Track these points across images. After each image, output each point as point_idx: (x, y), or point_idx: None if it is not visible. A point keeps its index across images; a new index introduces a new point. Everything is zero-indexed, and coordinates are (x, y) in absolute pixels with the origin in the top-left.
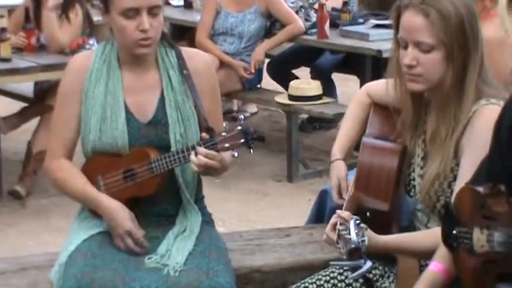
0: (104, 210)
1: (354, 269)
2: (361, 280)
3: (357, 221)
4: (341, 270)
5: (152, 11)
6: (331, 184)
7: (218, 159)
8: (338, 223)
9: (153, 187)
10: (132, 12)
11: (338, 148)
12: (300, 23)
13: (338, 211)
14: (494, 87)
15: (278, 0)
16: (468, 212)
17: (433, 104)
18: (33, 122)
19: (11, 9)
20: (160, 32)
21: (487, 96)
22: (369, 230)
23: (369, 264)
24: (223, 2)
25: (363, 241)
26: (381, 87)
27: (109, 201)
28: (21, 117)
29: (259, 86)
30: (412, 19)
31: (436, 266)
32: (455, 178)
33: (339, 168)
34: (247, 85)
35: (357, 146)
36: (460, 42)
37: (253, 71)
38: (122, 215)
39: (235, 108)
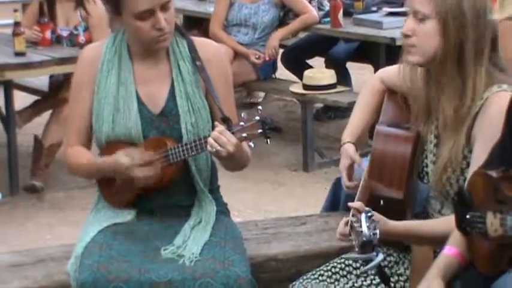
0: (107, 167)
1: (366, 261)
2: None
3: (369, 214)
4: None
5: (165, 6)
6: (340, 167)
7: (233, 142)
8: (350, 214)
9: (168, 176)
10: (146, 14)
11: (348, 132)
12: (314, 12)
13: (350, 203)
14: (507, 73)
15: None
16: (481, 196)
17: (435, 83)
18: (45, 116)
19: (25, 3)
20: (174, 23)
21: (500, 82)
22: (382, 217)
23: (380, 256)
24: None
25: (375, 234)
26: (394, 73)
27: (108, 157)
28: (34, 110)
29: (274, 76)
30: None
31: (451, 250)
32: (468, 165)
33: (347, 150)
34: (261, 75)
35: (371, 133)
36: (456, 19)
37: (267, 57)
38: (118, 157)
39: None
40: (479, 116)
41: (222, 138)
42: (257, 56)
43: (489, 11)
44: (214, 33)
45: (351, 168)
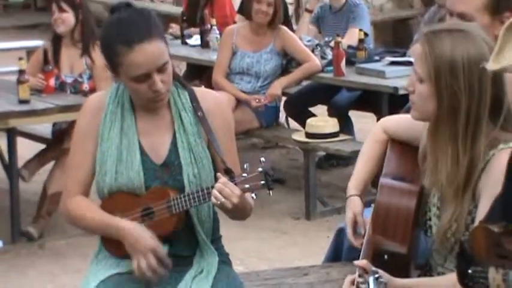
0: (126, 232)
1: None
2: None
3: (376, 275)
4: None
5: (161, 68)
6: (346, 220)
7: (237, 194)
8: (357, 274)
9: (170, 226)
10: (142, 77)
11: (354, 184)
12: (316, 61)
13: (355, 262)
14: None
15: (294, 39)
16: (483, 251)
17: (430, 145)
18: (50, 163)
19: (30, 51)
20: (171, 82)
21: (506, 141)
22: (389, 276)
23: None
24: (239, 42)
25: None
26: (396, 123)
27: (128, 223)
28: (39, 161)
29: (276, 123)
30: (416, 46)
31: None
32: (472, 220)
33: (354, 203)
34: (264, 123)
35: (373, 182)
36: (450, 85)
37: (267, 101)
38: (143, 234)
39: None
40: (485, 173)
41: (226, 190)
42: (257, 100)
43: (486, 78)
44: (217, 81)
45: (356, 222)
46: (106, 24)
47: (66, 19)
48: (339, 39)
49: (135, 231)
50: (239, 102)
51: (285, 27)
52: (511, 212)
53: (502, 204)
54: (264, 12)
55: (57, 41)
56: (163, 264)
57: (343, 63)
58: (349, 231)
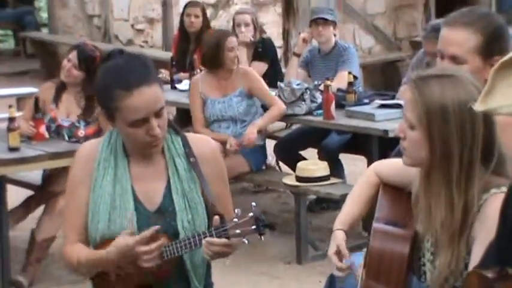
0: (111, 254)
1: None
2: None
3: None
4: None
5: (158, 113)
6: (328, 252)
7: (231, 247)
8: None
9: (162, 273)
10: (140, 122)
11: (340, 220)
12: (280, 104)
13: None
14: (506, 176)
15: (259, 81)
16: None
17: (424, 191)
18: (39, 210)
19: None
20: (166, 127)
21: (498, 185)
22: None
23: None
24: (206, 90)
25: None
26: (388, 167)
27: (110, 246)
28: (26, 207)
29: (265, 166)
30: (405, 93)
31: None
32: (466, 266)
33: (337, 237)
34: (254, 167)
35: (365, 225)
36: (440, 131)
37: (243, 145)
38: (122, 240)
39: None
40: (478, 218)
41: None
42: (231, 145)
43: (478, 123)
44: (198, 132)
45: (339, 254)
46: (103, 70)
47: (75, 76)
48: (329, 82)
49: (115, 245)
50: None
51: (251, 70)
52: (505, 257)
53: (496, 249)
54: (237, 57)
55: (62, 85)
56: (157, 252)
57: (332, 106)
58: (333, 260)
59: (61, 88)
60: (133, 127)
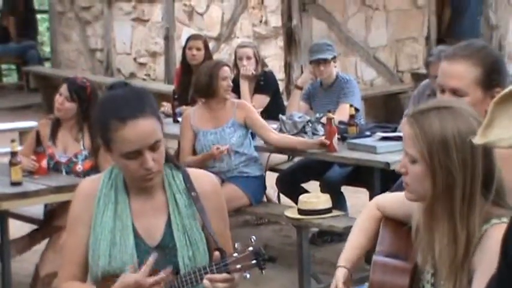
0: None
1: None
2: None
3: None
4: None
5: (153, 146)
6: None
7: (233, 281)
8: None
9: None
10: (133, 154)
11: (344, 257)
12: (273, 137)
13: None
14: (506, 207)
15: (255, 113)
16: None
17: (426, 226)
18: (42, 243)
19: (22, 132)
20: (163, 162)
21: (498, 216)
22: None
23: None
24: (198, 123)
25: None
26: (390, 201)
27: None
28: (29, 239)
29: (266, 198)
30: (403, 128)
31: None
32: None
33: (337, 275)
34: (253, 200)
35: (367, 257)
36: (443, 163)
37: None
38: (128, 277)
39: None
40: (479, 249)
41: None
42: (216, 148)
43: (478, 151)
44: (184, 161)
45: None
46: (100, 100)
47: (67, 108)
48: (331, 115)
49: (124, 284)
50: (223, 181)
51: (244, 102)
52: None
53: (496, 285)
54: (230, 86)
55: (57, 121)
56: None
57: (335, 139)
58: None
59: (56, 125)
60: (127, 159)
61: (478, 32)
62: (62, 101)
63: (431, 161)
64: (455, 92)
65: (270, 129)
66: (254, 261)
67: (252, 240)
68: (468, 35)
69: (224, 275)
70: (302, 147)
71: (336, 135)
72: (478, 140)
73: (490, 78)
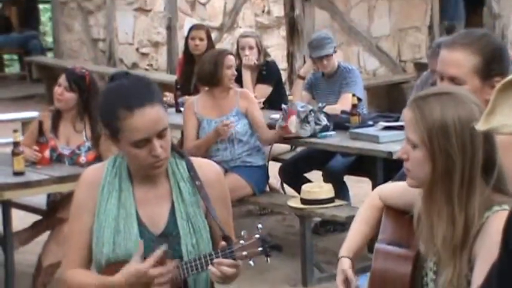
0: (120, 279)
1: None
2: None
3: None
4: None
5: (161, 134)
6: (337, 282)
7: (238, 268)
8: None
9: None
10: (142, 142)
11: (346, 246)
12: (266, 134)
13: None
14: (508, 194)
15: (256, 106)
16: None
17: (426, 210)
18: (45, 235)
19: (25, 122)
20: (170, 149)
21: (500, 203)
22: None
23: None
24: (202, 111)
25: None
26: (392, 191)
27: (119, 273)
28: (32, 231)
29: (269, 187)
30: (405, 113)
31: None
32: (468, 283)
33: (343, 264)
34: (256, 190)
35: (370, 247)
36: (442, 147)
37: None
38: (132, 267)
39: None
40: (480, 236)
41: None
42: (223, 124)
43: (478, 136)
44: (190, 149)
45: (346, 282)
46: (106, 90)
47: (67, 98)
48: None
49: (125, 271)
50: (226, 171)
51: (247, 92)
52: (506, 282)
53: (497, 274)
54: (234, 75)
55: (57, 113)
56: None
57: (291, 120)
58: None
59: (57, 117)
60: (135, 147)
61: (461, 13)
62: (62, 92)
63: (431, 145)
64: (453, 80)
65: (264, 127)
66: (261, 249)
67: (258, 228)
68: (451, 17)
69: (231, 261)
70: (277, 136)
71: (294, 117)
72: (480, 126)
73: (489, 68)
